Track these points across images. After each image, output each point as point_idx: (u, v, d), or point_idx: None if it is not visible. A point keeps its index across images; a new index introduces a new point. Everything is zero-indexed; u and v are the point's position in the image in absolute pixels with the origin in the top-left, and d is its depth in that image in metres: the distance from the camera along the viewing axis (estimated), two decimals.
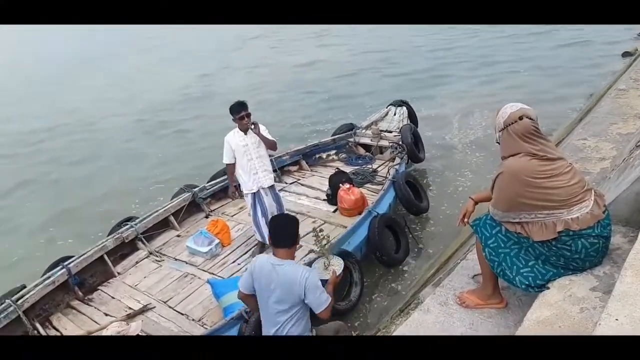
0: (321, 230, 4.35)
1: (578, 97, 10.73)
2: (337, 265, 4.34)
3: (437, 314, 3.04)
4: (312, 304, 3.07)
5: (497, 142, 2.88)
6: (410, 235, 6.11)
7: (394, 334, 3.03)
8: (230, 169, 5.30)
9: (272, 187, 5.34)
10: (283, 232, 3.24)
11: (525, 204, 2.64)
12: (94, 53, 24.97)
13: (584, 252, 2.64)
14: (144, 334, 4.47)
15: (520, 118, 2.69)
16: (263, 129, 5.11)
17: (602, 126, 5.56)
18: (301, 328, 3.17)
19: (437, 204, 6.98)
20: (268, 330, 3.22)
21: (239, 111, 4.95)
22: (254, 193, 5.26)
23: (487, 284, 3.04)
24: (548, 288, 2.69)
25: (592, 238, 2.61)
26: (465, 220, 3.20)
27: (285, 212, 5.46)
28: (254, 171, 5.17)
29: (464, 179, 7.76)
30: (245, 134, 5.08)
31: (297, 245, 3.33)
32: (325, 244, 4.30)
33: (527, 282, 2.74)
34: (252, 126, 5.02)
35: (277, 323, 3.14)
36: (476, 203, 3.22)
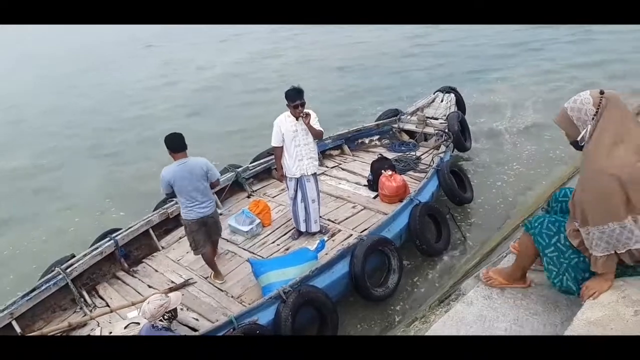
0: None
1: None
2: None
3: (480, 307, 2.96)
4: (211, 176, 4.66)
5: (580, 145, 2.42)
6: (456, 226, 5.99)
7: (435, 324, 2.96)
8: (278, 152, 5.29)
9: (314, 174, 5.33)
10: (179, 142, 4.50)
11: None
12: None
13: None
14: (183, 308, 4.60)
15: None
16: (313, 117, 5.10)
17: None
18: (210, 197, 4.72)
19: (480, 195, 6.82)
20: (192, 204, 4.61)
21: (295, 99, 4.93)
22: (297, 178, 5.26)
23: (517, 270, 2.93)
24: None
25: None
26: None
27: (320, 200, 5.51)
28: (299, 157, 5.16)
29: (510, 171, 7.54)
30: (297, 120, 5.08)
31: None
32: None
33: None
34: (304, 115, 5.02)
35: (194, 199, 4.58)
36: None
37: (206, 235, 4.85)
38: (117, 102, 14.35)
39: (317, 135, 5.23)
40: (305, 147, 5.16)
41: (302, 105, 4.97)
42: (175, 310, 3.37)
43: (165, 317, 3.31)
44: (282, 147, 5.20)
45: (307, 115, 5.04)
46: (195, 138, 10.33)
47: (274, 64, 16.95)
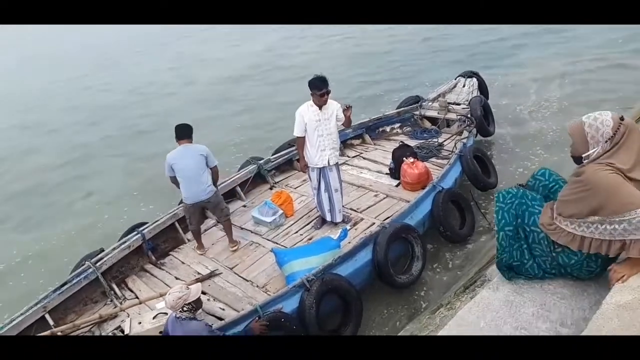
0: None
1: None
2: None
3: (506, 292, 2.93)
4: (209, 162, 5.06)
5: (580, 160, 2.49)
6: (480, 212, 5.92)
7: (460, 310, 2.95)
8: (300, 142, 5.28)
9: (336, 164, 5.32)
10: (183, 130, 5.02)
11: None
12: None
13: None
14: (210, 298, 4.67)
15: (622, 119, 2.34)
16: (337, 106, 5.13)
17: None
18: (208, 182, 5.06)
19: (503, 180, 6.71)
20: (189, 186, 5.03)
21: (321, 88, 4.92)
22: (320, 168, 5.26)
23: None
24: None
25: None
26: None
27: (342, 189, 5.53)
28: (322, 148, 5.15)
29: (535, 157, 7.40)
30: (320, 109, 5.06)
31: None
32: None
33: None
34: (346, 107, 5.12)
35: (192, 180, 5.00)
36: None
37: (203, 217, 5.51)
38: (139, 98, 14.58)
39: (348, 124, 5.32)
40: (328, 137, 5.15)
41: (328, 93, 4.97)
42: (198, 301, 3.41)
43: (185, 308, 3.36)
44: (304, 137, 5.20)
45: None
46: (216, 130, 10.53)
47: (292, 54, 16.92)
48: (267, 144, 8.81)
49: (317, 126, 5.07)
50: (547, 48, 12.67)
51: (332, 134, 5.17)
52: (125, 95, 15.06)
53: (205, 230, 5.81)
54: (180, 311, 3.37)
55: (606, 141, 2.36)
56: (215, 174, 5.24)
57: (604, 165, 2.37)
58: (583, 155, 2.46)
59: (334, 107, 5.12)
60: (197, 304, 3.42)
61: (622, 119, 2.35)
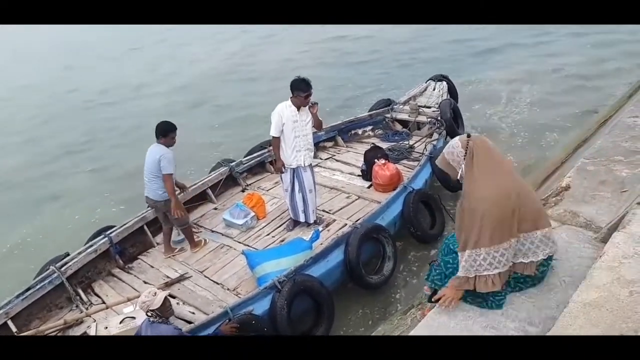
0: None
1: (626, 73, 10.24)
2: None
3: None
4: (162, 167, 4.84)
5: (460, 180, 2.76)
6: (445, 212, 6.00)
7: (431, 311, 2.97)
8: (276, 143, 5.24)
9: (310, 165, 5.31)
10: (157, 129, 4.91)
11: None
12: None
13: None
14: (179, 302, 4.59)
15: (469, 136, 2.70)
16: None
17: None
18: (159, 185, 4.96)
19: None
20: (146, 184, 5.04)
21: (306, 90, 4.93)
22: (294, 169, 5.25)
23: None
24: None
25: None
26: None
27: (316, 190, 5.51)
28: (297, 148, 5.14)
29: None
30: (299, 110, 5.05)
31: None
32: None
33: None
34: (311, 104, 5.07)
35: (147, 180, 4.99)
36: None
37: (163, 217, 5.29)
38: (111, 97, 14.27)
39: (318, 126, 5.28)
40: (304, 138, 5.14)
41: (310, 95, 5.00)
42: (163, 309, 3.33)
43: (149, 313, 3.29)
44: (280, 137, 5.17)
45: (315, 104, 5.10)
46: (190, 131, 10.38)
47: (265, 57, 16.84)
48: (239, 145, 8.72)
49: (295, 127, 5.06)
50: (519, 52, 12.95)
51: (308, 135, 5.16)
52: (97, 96, 14.69)
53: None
54: (148, 314, 3.31)
55: (463, 158, 2.68)
56: (165, 182, 4.91)
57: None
58: (458, 177, 2.78)
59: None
60: (161, 311, 3.34)
61: (468, 136, 2.70)
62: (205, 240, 5.51)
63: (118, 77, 16.53)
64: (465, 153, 2.66)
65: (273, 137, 5.18)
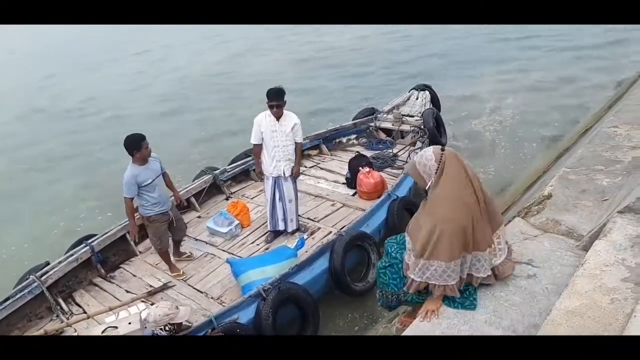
0: None
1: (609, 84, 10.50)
2: None
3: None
4: (163, 166, 4.79)
5: (426, 192, 2.81)
6: None
7: (415, 319, 2.98)
8: (257, 150, 5.26)
9: (292, 176, 5.31)
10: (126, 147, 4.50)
11: None
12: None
13: None
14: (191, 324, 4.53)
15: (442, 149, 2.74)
16: (297, 125, 5.13)
17: (634, 114, 5.36)
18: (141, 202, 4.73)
19: None
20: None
21: (271, 99, 4.94)
22: (275, 178, 5.25)
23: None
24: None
25: None
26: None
27: (297, 200, 5.50)
28: (277, 158, 5.15)
29: (485, 169, 7.66)
30: (278, 120, 5.04)
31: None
32: None
33: None
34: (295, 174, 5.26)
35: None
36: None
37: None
38: (97, 105, 14.10)
39: (296, 172, 5.34)
40: (284, 148, 5.14)
41: (278, 106, 4.95)
42: (180, 324, 3.28)
43: (167, 327, 3.22)
44: (261, 144, 5.17)
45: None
46: (170, 139, 10.32)
47: (254, 64, 16.82)
48: (223, 153, 8.69)
49: (273, 137, 5.07)
50: (503, 65, 13.13)
51: (288, 147, 5.16)
52: (82, 104, 14.49)
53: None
54: (160, 329, 3.23)
55: (435, 172, 2.71)
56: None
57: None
58: (426, 188, 2.82)
59: (293, 120, 5.11)
60: (179, 326, 3.29)
61: (442, 149, 2.73)
62: (182, 272, 5.18)
63: (101, 85, 16.35)
64: (437, 167, 2.70)
65: (253, 144, 5.24)
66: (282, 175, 5.22)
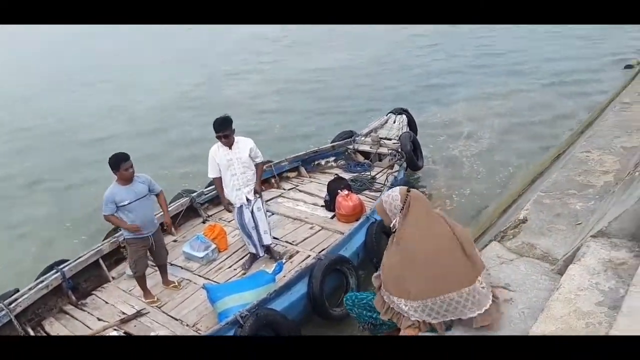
0: None
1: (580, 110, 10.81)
2: None
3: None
4: (153, 189, 4.81)
5: (394, 230, 2.89)
6: None
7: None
8: (217, 183, 5.25)
9: (256, 199, 5.26)
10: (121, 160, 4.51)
11: None
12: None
13: None
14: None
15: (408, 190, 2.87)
16: (252, 146, 5.11)
17: (606, 139, 5.51)
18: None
19: None
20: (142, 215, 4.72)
21: (217, 130, 4.92)
22: (239, 207, 5.21)
23: None
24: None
25: None
26: None
27: (267, 223, 5.43)
28: (237, 187, 5.13)
29: (460, 191, 7.77)
30: (231, 148, 5.02)
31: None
32: None
33: None
34: (259, 192, 5.23)
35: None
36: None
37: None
38: (72, 124, 13.87)
39: (260, 175, 5.33)
40: (242, 175, 5.12)
41: (226, 136, 4.92)
42: None
43: None
44: (220, 177, 5.16)
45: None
46: (151, 161, 10.18)
47: (232, 85, 16.80)
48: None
49: (229, 165, 5.05)
50: (481, 88, 13.36)
51: (246, 173, 5.13)
52: (58, 124, 14.20)
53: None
54: None
55: (400, 211, 2.82)
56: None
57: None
58: (391, 226, 2.91)
59: (246, 144, 5.09)
60: None
61: (408, 190, 2.86)
62: (156, 298, 5.06)
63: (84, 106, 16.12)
64: (402, 207, 2.80)
65: (212, 178, 5.26)
66: (245, 203, 5.18)
